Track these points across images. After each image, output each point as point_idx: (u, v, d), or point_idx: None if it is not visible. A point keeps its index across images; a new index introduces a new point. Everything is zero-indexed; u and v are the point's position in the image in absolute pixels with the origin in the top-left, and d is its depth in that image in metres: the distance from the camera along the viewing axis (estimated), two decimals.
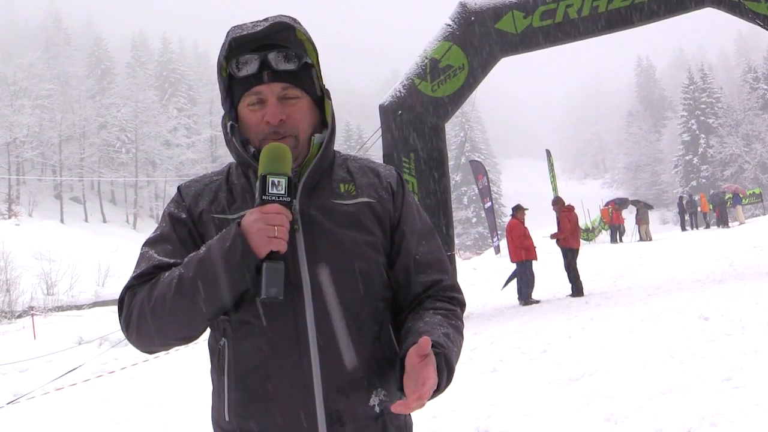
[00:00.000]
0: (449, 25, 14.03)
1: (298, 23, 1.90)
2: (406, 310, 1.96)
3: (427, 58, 13.90)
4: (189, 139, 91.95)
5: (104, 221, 78.29)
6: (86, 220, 75.26)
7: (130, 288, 1.84)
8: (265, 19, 1.87)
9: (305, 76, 1.92)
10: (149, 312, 1.76)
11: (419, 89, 13.78)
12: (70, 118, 78.60)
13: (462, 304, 2.02)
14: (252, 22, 1.89)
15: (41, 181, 76.86)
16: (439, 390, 1.72)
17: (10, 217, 60.66)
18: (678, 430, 4.98)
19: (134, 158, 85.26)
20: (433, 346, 1.71)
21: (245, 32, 1.85)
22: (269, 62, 1.87)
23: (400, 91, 13.88)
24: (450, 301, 1.97)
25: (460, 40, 13.86)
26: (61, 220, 69.62)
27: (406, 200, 2.02)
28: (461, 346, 1.91)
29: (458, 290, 2.03)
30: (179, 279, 1.74)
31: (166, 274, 1.79)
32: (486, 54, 13.99)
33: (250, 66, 1.87)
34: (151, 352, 1.95)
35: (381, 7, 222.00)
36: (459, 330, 1.92)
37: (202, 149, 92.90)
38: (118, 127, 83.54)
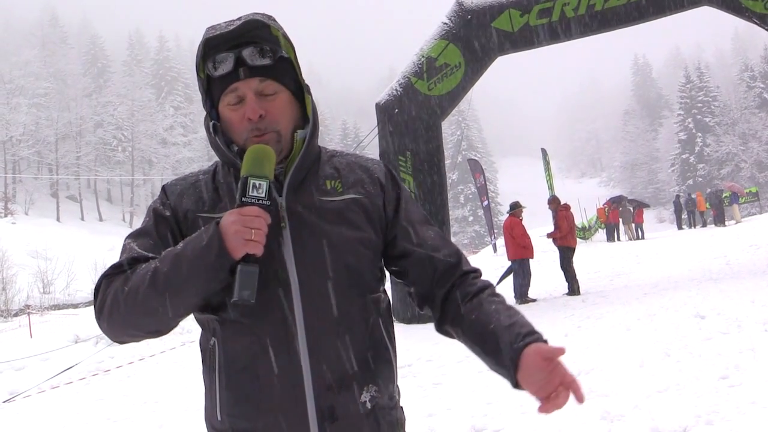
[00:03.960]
0: (446, 23, 14.04)
1: (273, 20, 1.91)
2: (441, 292, 1.97)
3: (423, 57, 13.90)
4: (185, 138, 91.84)
5: (100, 220, 78.17)
6: (82, 219, 75.15)
7: (107, 276, 1.83)
8: (239, 18, 1.87)
9: (282, 70, 1.92)
10: (122, 302, 1.75)
11: (416, 88, 13.79)
12: (67, 116, 78.39)
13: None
14: (225, 22, 1.89)
15: (37, 179, 76.73)
16: None
17: (6, 216, 60.59)
18: (674, 429, 4.99)
19: (131, 157, 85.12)
20: (531, 333, 1.77)
21: (219, 32, 1.85)
22: (244, 59, 1.86)
23: (396, 90, 13.88)
24: (477, 273, 2.02)
25: (457, 39, 13.87)
26: (58, 219, 69.62)
27: (399, 193, 2.03)
28: None
29: (475, 269, 2.05)
30: (153, 272, 1.73)
31: (143, 266, 1.78)
32: (482, 52, 14.00)
33: (225, 64, 1.87)
34: (121, 342, 1.94)
35: (377, 6, 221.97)
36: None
37: (199, 148, 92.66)
38: (114, 126, 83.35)
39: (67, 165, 79.57)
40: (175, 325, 1.84)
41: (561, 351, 1.69)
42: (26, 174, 76.25)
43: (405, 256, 1.98)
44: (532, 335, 1.76)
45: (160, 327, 1.82)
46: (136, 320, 1.78)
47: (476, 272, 2.01)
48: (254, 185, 1.74)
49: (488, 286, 1.97)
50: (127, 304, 1.75)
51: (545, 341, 1.76)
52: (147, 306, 1.73)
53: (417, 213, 2.06)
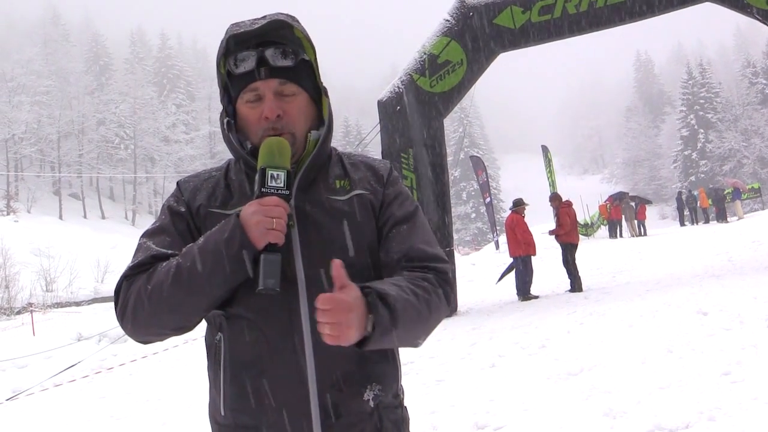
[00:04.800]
0: (448, 20, 14.03)
1: (296, 21, 1.91)
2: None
3: (425, 54, 13.89)
4: (188, 135, 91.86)
5: (103, 217, 78.19)
6: (85, 217, 75.18)
7: (127, 277, 1.84)
8: (263, 17, 1.88)
9: (302, 72, 1.93)
10: (146, 301, 1.76)
11: (418, 85, 13.78)
12: (69, 114, 78.45)
13: (440, 272, 1.91)
14: (250, 20, 1.90)
15: (40, 177, 76.73)
16: (380, 330, 1.67)
17: (8, 214, 60.59)
18: (676, 425, 4.99)
19: (133, 154, 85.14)
20: (365, 287, 1.69)
21: (243, 30, 1.86)
22: (266, 59, 1.88)
23: (398, 87, 13.88)
24: (424, 269, 1.89)
25: (459, 36, 13.86)
26: (60, 217, 69.57)
27: (394, 188, 2.02)
28: (427, 305, 1.80)
29: (437, 258, 1.94)
30: (177, 268, 1.75)
31: (164, 263, 1.79)
32: (484, 49, 13.98)
33: (247, 63, 1.89)
34: (145, 342, 1.94)
35: (379, 3, 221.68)
36: (421, 288, 1.81)
37: (201, 145, 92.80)
38: (116, 123, 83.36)
39: (69, 163, 79.60)
40: (200, 320, 1.86)
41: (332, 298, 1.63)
42: (28, 172, 76.24)
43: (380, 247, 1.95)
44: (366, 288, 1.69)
45: (187, 323, 1.83)
46: (161, 318, 1.79)
47: (429, 267, 1.90)
48: (272, 176, 1.76)
49: (419, 269, 1.88)
50: (152, 303, 1.76)
51: (373, 293, 1.69)
52: (172, 303, 1.75)
53: (406, 206, 2.01)
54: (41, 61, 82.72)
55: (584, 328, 9.49)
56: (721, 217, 35.79)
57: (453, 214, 16.54)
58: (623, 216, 35.48)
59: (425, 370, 8.38)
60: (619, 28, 14.49)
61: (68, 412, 9.62)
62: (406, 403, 2.04)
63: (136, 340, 1.91)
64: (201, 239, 1.79)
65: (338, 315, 1.60)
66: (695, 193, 41.77)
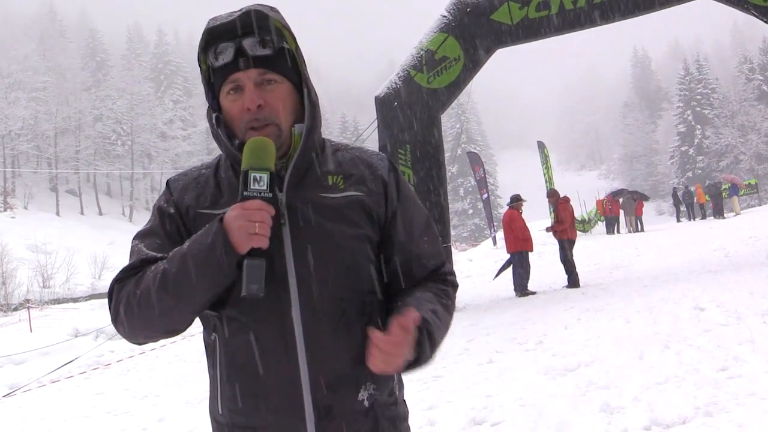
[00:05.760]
0: (445, 16, 14.01)
1: (275, 11, 1.89)
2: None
3: (422, 50, 13.88)
4: (185, 131, 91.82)
5: (100, 214, 78.19)
6: (82, 213, 75.18)
7: (119, 281, 1.84)
8: (240, 9, 1.86)
9: (283, 61, 1.90)
10: (135, 305, 1.76)
11: (415, 81, 13.77)
12: (66, 110, 78.31)
13: (454, 285, 2.06)
14: (227, 13, 1.88)
15: (37, 173, 76.70)
16: (420, 362, 1.79)
17: (5, 210, 60.53)
18: (673, 420, 5.00)
19: (130, 151, 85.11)
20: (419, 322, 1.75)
21: (220, 22, 1.85)
22: (244, 49, 1.85)
23: (395, 83, 13.87)
24: (443, 282, 2.01)
25: (456, 32, 13.84)
26: (57, 213, 69.62)
27: (402, 193, 2.00)
28: (449, 324, 1.95)
29: (452, 273, 2.07)
30: (163, 274, 1.74)
31: (152, 267, 1.78)
32: (481, 45, 13.97)
33: (226, 54, 1.86)
34: (139, 344, 1.95)
35: None
36: (448, 308, 1.95)
37: (198, 141, 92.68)
38: (113, 120, 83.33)
39: (66, 159, 79.57)
40: (191, 322, 1.85)
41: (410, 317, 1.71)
42: (25, 168, 76.18)
43: (392, 259, 1.97)
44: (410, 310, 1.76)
45: (176, 326, 1.83)
46: (151, 322, 1.79)
47: (449, 274, 2.06)
48: (255, 178, 1.72)
49: (439, 281, 2.01)
50: (141, 307, 1.76)
51: (425, 331, 1.76)
52: (160, 307, 1.74)
53: (417, 215, 2.03)
54: (38, 57, 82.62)
55: (581, 324, 9.49)
56: (718, 212, 35.80)
57: (450, 210, 16.54)
58: (623, 211, 35.52)
59: None
60: (617, 23, 14.47)
61: (65, 409, 9.62)
62: (404, 398, 2.03)
63: (131, 342, 1.92)
64: (186, 243, 1.77)
65: (393, 354, 1.71)
66: (692, 188, 41.79)
